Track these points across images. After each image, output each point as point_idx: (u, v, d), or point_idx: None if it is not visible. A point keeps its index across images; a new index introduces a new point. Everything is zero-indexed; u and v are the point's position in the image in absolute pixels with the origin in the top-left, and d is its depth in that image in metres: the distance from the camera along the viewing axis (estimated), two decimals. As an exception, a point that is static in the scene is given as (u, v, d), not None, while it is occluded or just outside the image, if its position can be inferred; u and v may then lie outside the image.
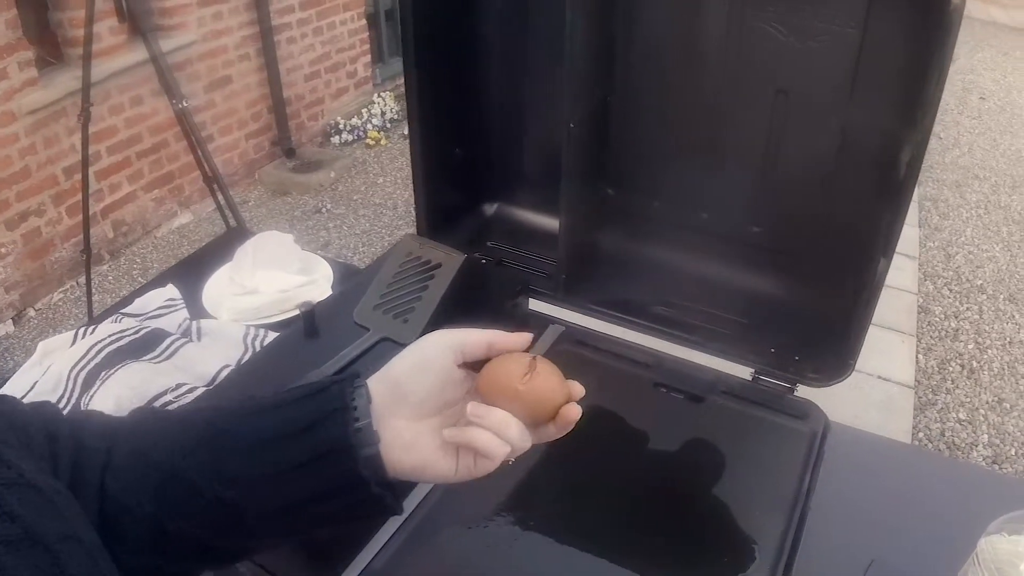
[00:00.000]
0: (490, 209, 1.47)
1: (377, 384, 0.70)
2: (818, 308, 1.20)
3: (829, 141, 1.12)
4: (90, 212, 3.20)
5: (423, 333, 1.06)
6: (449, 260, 1.15)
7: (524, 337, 0.73)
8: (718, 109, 1.19)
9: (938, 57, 0.89)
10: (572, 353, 1.20)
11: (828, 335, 1.15)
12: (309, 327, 1.12)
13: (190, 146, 3.14)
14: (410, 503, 0.99)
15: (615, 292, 1.29)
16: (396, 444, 0.68)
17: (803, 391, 1.17)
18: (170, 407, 1.17)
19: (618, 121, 1.27)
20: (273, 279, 1.63)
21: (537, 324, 1.30)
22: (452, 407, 0.73)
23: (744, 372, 1.19)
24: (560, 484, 0.99)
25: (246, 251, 1.74)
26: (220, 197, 3.27)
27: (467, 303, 1.17)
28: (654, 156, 1.28)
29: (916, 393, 3.15)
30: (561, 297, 1.28)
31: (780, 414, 1.12)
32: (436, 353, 0.71)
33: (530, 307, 1.33)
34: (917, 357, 3.37)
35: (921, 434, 2.99)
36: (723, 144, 1.21)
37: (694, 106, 1.21)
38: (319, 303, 1.23)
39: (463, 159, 1.38)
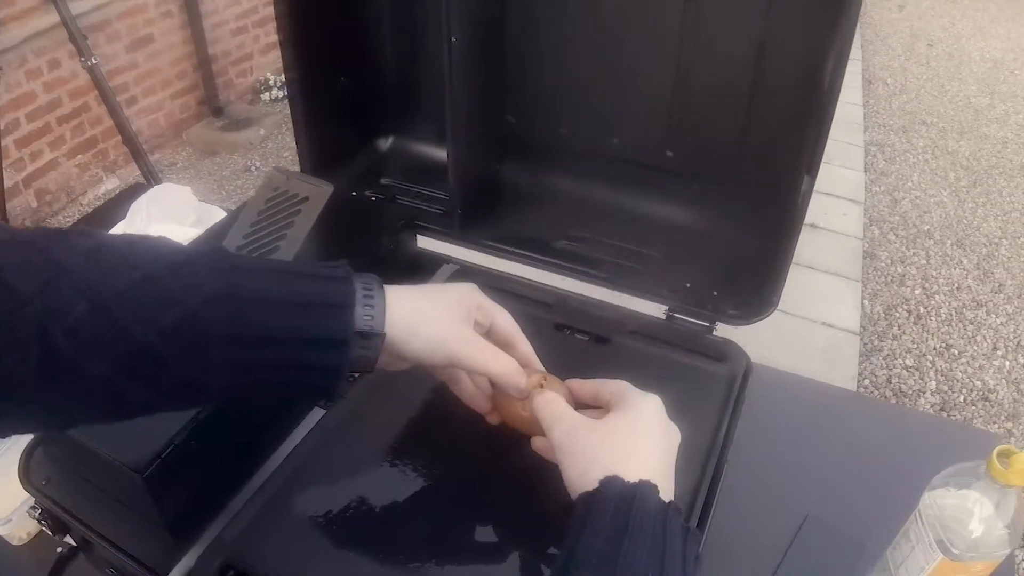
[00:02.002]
0: (384, 144, 1.34)
1: (389, 331, 0.68)
2: (738, 239, 1.09)
3: (746, 52, 0.99)
4: (11, 182, 3.04)
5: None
6: (317, 193, 1.01)
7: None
8: (624, 22, 1.06)
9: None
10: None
11: (749, 268, 1.04)
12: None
13: (107, 107, 2.98)
14: (263, 472, 0.89)
15: (517, 227, 1.17)
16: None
17: (731, 333, 1.05)
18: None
19: (515, 41, 1.14)
20: (167, 233, 1.50)
21: (429, 263, 1.17)
22: None
23: (657, 311, 1.07)
24: (449, 432, 0.87)
25: (140, 206, 1.70)
26: (145, 160, 3.13)
27: (342, 240, 1.05)
28: (558, 79, 1.14)
29: (862, 339, 3.07)
30: (456, 234, 1.15)
31: (695, 355, 1.01)
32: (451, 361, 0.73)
33: (427, 246, 1.21)
34: (863, 303, 3.30)
35: (867, 381, 2.92)
36: (632, 62, 1.08)
37: (598, 20, 1.08)
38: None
39: (351, 89, 1.24)
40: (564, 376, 0.81)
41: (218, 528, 0.82)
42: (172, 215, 1.64)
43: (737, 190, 1.08)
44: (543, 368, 0.82)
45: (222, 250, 0.67)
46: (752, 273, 1.03)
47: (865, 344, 3.08)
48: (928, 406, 2.84)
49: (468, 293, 0.78)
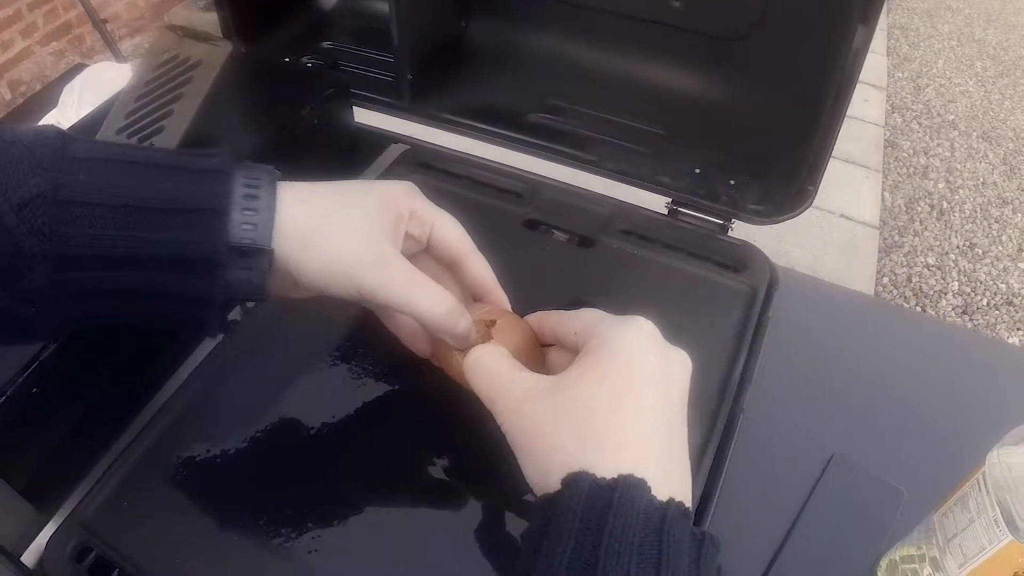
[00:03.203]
0: (328, 1, 1.09)
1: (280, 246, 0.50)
2: (764, 112, 0.85)
3: None
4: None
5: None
6: (212, 55, 0.78)
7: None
8: None
9: None
10: (415, 180, 0.84)
11: (778, 150, 0.81)
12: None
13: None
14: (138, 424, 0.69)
15: (481, 96, 0.93)
16: None
17: (744, 231, 0.83)
18: None
19: None
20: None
21: (371, 144, 0.94)
22: None
23: (657, 204, 0.85)
24: (382, 373, 0.67)
25: (72, 89, 1.59)
26: (114, 46, 2.90)
27: (253, 115, 0.82)
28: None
29: (881, 234, 2.87)
30: (405, 105, 0.92)
31: (705, 263, 0.78)
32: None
33: (369, 122, 0.97)
34: (883, 195, 3.09)
35: (886, 279, 2.73)
36: None
37: None
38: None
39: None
40: (535, 294, 0.59)
41: (80, 496, 0.63)
42: (107, 97, 1.49)
43: (764, 48, 0.84)
44: (505, 300, 0.60)
45: (52, 132, 0.47)
46: (781, 156, 0.80)
47: (885, 239, 2.88)
48: (950, 308, 2.67)
49: (398, 194, 0.56)
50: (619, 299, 0.72)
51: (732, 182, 0.83)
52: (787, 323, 0.76)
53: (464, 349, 0.54)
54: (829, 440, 0.77)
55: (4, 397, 0.59)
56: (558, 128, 0.89)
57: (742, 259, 0.78)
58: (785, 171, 0.80)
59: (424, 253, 0.59)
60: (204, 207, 0.46)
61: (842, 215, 2.84)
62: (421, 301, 0.52)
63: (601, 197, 0.85)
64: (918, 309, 2.62)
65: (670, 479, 0.44)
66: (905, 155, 3.36)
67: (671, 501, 0.42)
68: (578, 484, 0.42)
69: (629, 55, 0.91)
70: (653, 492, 0.42)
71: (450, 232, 0.58)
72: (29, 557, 0.62)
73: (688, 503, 0.43)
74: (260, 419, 0.64)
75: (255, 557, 0.56)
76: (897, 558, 0.64)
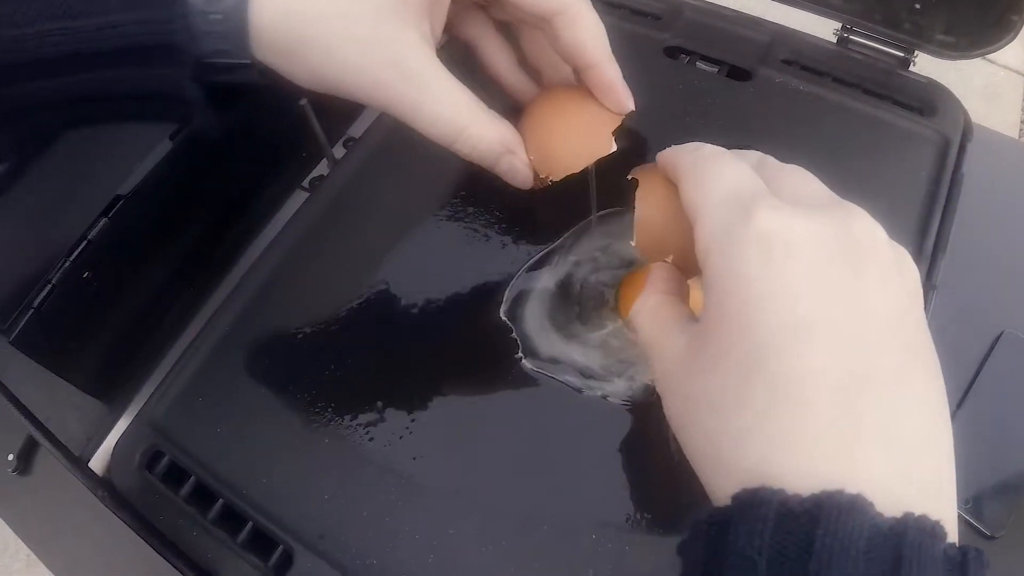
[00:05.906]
0: None
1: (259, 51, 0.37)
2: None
3: None
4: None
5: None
6: None
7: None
8: None
9: None
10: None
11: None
12: None
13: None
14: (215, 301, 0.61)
15: None
16: None
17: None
18: None
19: None
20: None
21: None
22: None
23: (825, 29, 0.71)
24: (508, 228, 0.57)
25: None
26: None
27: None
28: None
29: (1026, 80, 2.61)
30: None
31: (886, 103, 0.65)
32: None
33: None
34: (1027, 39, 2.79)
35: (1029, 130, 2.50)
36: None
37: None
38: None
39: None
40: (678, 137, 0.46)
41: (152, 389, 0.56)
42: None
43: None
44: (627, 98, 0.43)
45: None
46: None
47: (1029, 86, 2.62)
48: (1093, 169, 2.42)
49: None
50: (781, 144, 0.60)
51: (916, 5, 0.68)
52: (974, 191, 0.63)
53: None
54: (998, 315, 0.66)
55: (50, 285, 0.51)
56: (705, -69, 0.74)
57: (929, 100, 0.65)
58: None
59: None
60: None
61: (983, 58, 2.60)
62: (460, 142, 0.40)
63: (756, 20, 0.72)
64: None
65: (899, 470, 0.27)
66: (1053, -10, 3.04)
67: (908, 518, 0.25)
68: (758, 509, 0.26)
69: None
70: (877, 508, 0.25)
71: (584, 31, 0.41)
72: (98, 462, 0.55)
73: (943, 504, 0.27)
74: (355, 294, 0.56)
75: (352, 463, 0.49)
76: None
